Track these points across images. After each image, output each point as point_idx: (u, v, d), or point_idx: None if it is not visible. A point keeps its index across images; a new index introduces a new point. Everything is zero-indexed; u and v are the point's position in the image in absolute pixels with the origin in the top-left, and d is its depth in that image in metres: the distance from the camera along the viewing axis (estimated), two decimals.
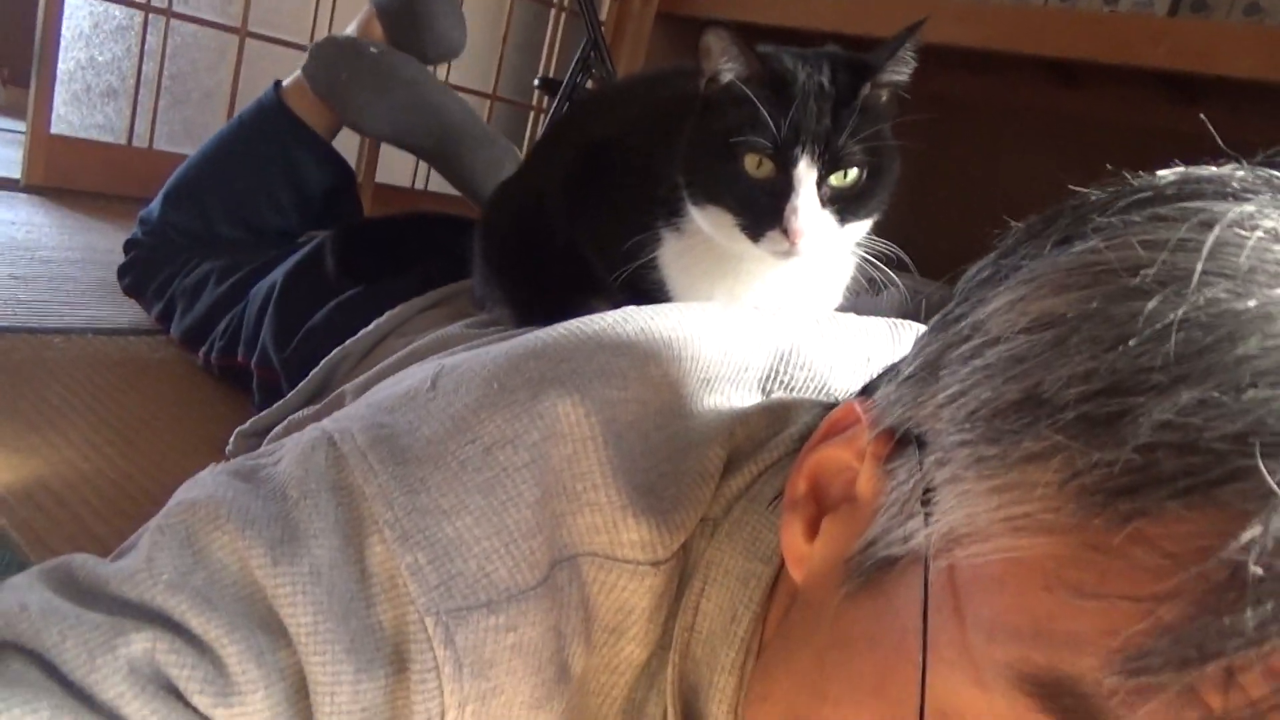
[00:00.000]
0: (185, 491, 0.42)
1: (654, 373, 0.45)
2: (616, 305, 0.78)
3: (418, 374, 0.46)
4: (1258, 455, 0.25)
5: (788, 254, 0.62)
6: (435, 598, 0.39)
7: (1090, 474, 0.27)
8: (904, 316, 0.65)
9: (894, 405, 0.36)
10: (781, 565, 0.42)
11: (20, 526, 0.73)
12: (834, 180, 0.62)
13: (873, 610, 0.34)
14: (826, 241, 0.63)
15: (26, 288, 1.35)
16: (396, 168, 2.62)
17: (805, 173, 0.61)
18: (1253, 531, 0.24)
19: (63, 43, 2.02)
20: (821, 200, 0.62)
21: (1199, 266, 0.28)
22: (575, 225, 0.78)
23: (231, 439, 0.86)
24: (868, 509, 0.36)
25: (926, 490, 0.32)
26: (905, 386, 0.36)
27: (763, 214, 0.62)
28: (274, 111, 1.33)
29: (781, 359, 0.50)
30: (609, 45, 2.72)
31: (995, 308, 0.33)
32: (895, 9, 2.47)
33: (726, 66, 0.63)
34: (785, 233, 0.61)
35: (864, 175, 0.62)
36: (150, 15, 2.13)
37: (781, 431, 0.45)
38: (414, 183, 2.65)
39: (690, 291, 0.72)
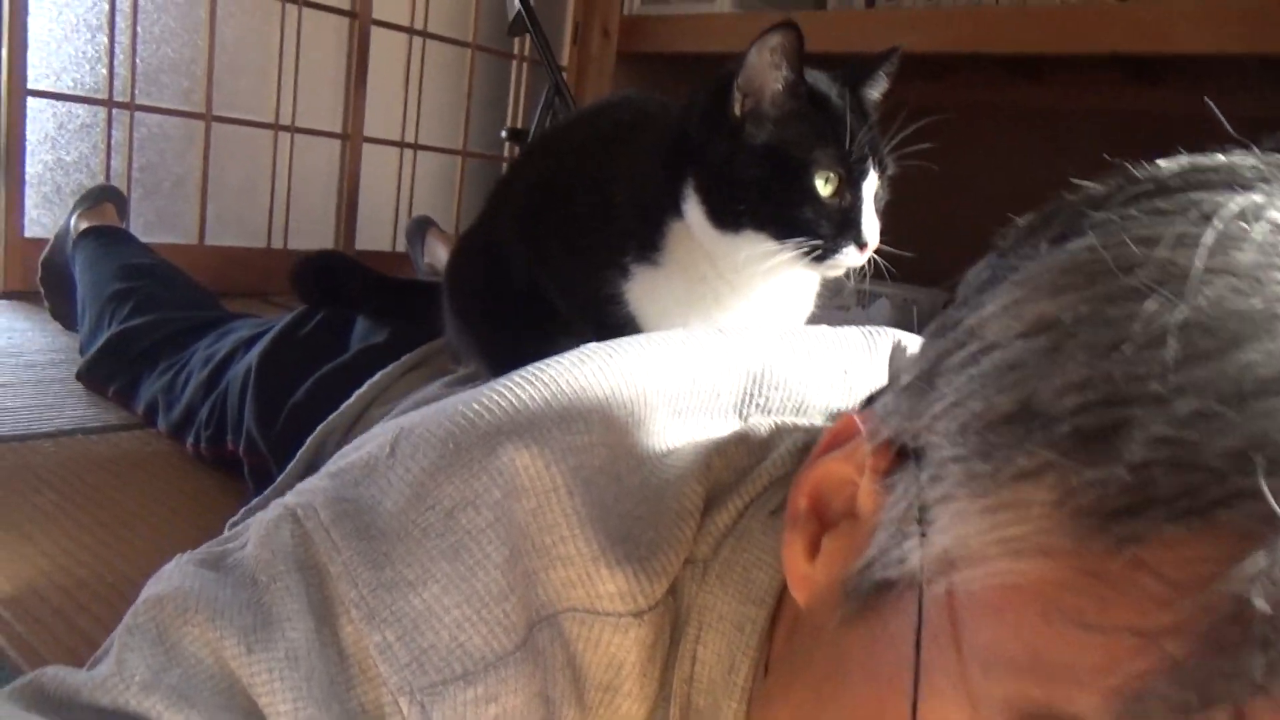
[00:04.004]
0: (151, 587, 0.41)
1: (619, 412, 0.44)
2: (584, 343, 0.78)
3: (379, 437, 0.45)
4: (1260, 474, 0.23)
5: (848, 267, 0.64)
6: (408, 676, 0.38)
7: (1085, 494, 0.26)
8: (895, 326, 0.65)
9: (891, 416, 0.34)
10: (778, 601, 0.41)
11: (16, 642, 0.71)
12: (879, 189, 0.65)
13: (868, 637, 0.33)
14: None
15: (13, 395, 1.35)
16: (376, 233, 2.63)
17: (869, 186, 0.62)
18: (1256, 560, 0.23)
19: (28, 146, 2.03)
20: (876, 209, 0.65)
21: (1198, 263, 0.27)
22: (534, 267, 0.77)
23: (225, 532, 0.85)
24: (867, 526, 0.34)
25: (921, 509, 0.31)
26: (903, 396, 0.34)
27: (835, 230, 0.63)
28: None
29: (754, 380, 0.49)
30: (573, 88, 2.74)
31: (991, 311, 0.32)
32: (851, 24, 2.50)
33: (778, 77, 0.63)
34: (861, 247, 0.63)
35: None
36: (114, 110, 2.14)
37: (763, 460, 0.44)
38: (394, 246, 2.66)
39: (664, 323, 0.72)
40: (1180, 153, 0.34)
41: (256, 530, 0.42)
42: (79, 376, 1.40)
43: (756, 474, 0.43)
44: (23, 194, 2.04)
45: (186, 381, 1.18)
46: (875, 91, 0.68)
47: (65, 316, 1.73)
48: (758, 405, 0.48)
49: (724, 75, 0.64)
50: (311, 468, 0.88)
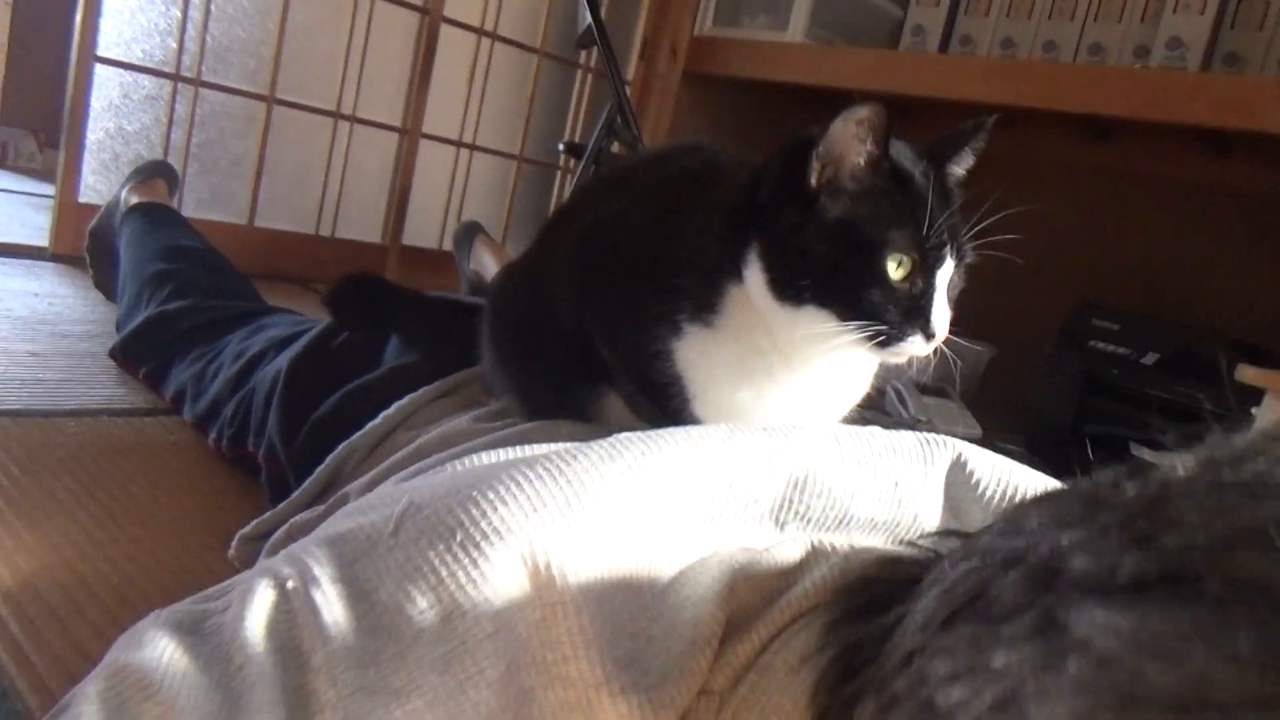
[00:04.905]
0: (121, 649, 0.39)
1: (645, 518, 0.40)
2: (627, 397, 0.75)
3: (386, 503, 0.42)
4: None
5: (914, 355, 0.61)
6: None
7: None
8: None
9: None
10: None
11: (9, 645, 0.69)
12: (954, 278, 0.61)
13: None
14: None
15: (45, 365, 1.34)
16: (424, 231, 2.62)
17: (944, 273, 0.59)
18: None
19: (92, 113, 2.04)
20: (949, 298, 0.61)
21: None
22: (582, 311, 0.74)
23: (233, 543, 0.83)
24: None
25: None
26: None
27: (903, 317, 0.59)
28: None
29: (796, 486, 0.46)
30: (636, 105, 2.72)
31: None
32: (924, 68, 2.45)
33: (861, 151, 0.59)
34: (928, 337, 0.59)
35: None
36: (179, 84, 2.15)
37: (794, 585, 0.41)
38: (441, 245, 2.65)
39: (711, 389, 0.68)
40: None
41: (242, 596, 0.39)
42: (112, 354, 1.39)
43: (785, 602, 0.40)
44: (81, 159, 2.05)
45: (216, 374, 1.16)
46: (960, 168, 0.64)
47: (107, 287, 1.73)
48: (797, 513, 0.45)
49: (802, 141, 0.61)
50: (329, 487, 0.86)
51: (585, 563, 0.38)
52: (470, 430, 0.79)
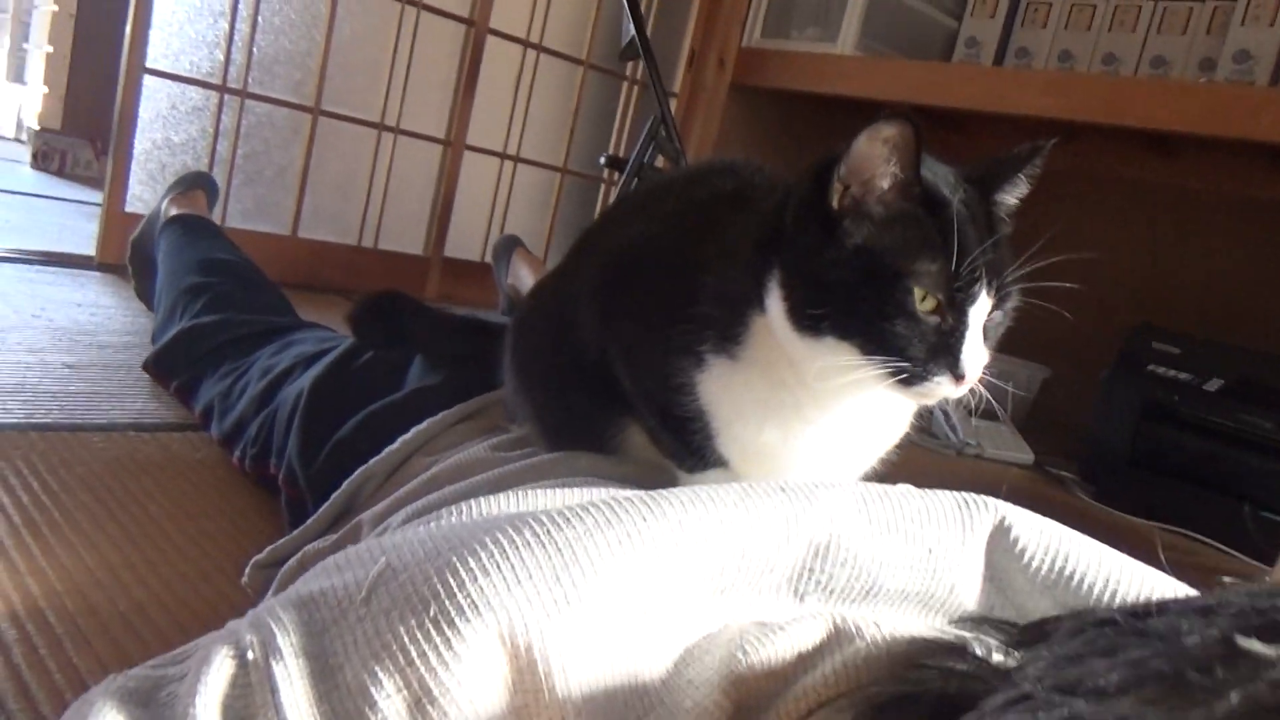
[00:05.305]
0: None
1: (644, 591, 0.36)
2: (650, 431, 0.71)
3: (363, 565, 0.39)
4: None
5: (942, 397, 0.56)
6: None
7: None
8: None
9: None
10: None
11: (11, 672, 0.67)
12: (995, 316, 0.56)
13: None
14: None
15: (78, 378, 1.34)
16: (466, 242, 2.61)
17: (978, 311, 0.54)
18: None
19: (140, 124, 2.06)
20: (984, 338, 0.56)
21: None
22: (604, 338, 0.71)
23: (246, 570, 0.80)
24: None
25: None
26: None
27: (929, 354, 0.54)
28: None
29: (817, 553, 0.41)
30: (682, 117, 2.68)
31: None
32: (978, 81, 2.39)
33: (887, 172, 0.54)
34: (957, 378, 0.54)
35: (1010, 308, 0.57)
36: (225, 96, 2.16)
37: (812, 670, 0.36)
38: (482, 257, 2.64)
39: (737, 424, 0.64)
40: None
41: (198, 664, 0.36)
42: (145, 367, 1.39)
43: (800, 689, 0.35)
44: (128, 169, 2.07)
45: (243, 391, 1.14)
46: (1012, 197, 0.59)
47: (148, 298, 1.73)
48: (818, 583, 0.41)
49: (827, 160, 0.57)
50: (345, 513, 0.83)
51: (574, 643, 0.34)
52: (487, 460, 0.76)
